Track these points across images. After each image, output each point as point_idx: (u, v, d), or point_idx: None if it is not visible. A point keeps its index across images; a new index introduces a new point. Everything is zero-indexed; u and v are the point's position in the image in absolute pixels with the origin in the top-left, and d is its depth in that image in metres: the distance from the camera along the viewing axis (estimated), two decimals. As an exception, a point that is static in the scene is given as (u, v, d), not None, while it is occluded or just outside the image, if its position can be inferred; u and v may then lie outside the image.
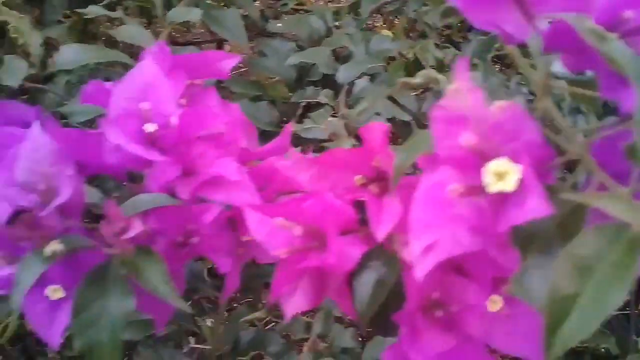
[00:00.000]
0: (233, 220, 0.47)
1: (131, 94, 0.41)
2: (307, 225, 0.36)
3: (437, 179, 0.25)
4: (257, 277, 0.70)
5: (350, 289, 0.43)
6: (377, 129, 0.36)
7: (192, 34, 1.22)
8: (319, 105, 0.79)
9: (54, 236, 0.38)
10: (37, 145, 0.38)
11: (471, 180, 0.24)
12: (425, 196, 0.26)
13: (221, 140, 0.42)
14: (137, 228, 0.37)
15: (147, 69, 0.41)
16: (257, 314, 0.63)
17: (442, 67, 0.89)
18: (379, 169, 0.38)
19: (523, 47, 0.31)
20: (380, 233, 0.34)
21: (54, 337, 0.41)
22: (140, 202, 0.39)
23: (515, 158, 0.23)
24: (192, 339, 0.71)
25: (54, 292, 0.42)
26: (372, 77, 0.78)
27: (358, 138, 0.72)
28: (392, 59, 0.86)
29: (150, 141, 0.41)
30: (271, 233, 0.37)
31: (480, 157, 0.24)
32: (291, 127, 0.52)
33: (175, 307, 0.50)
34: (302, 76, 0.84)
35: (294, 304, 0.42)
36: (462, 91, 0.23)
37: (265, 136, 0.57)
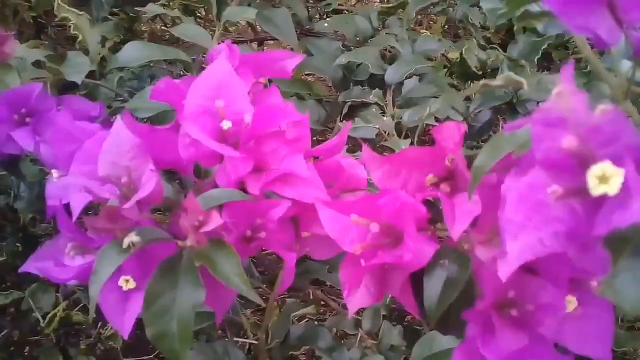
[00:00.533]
0: (294, 217, 0.48)
1: (206, 92, 0.42)
2: (382, 221, 0.36)
3: (532, 180, 0.26)
4: (306, 273, 0.71)
5: (413, 287, 0.44)
6: (451, 128, 0.36)
7: (234, 33, 1.24)
8: (364, 105, 0.80)
9: (130, 228, 0.40)
10: (119, 140, 0.39)
11: (568, 182, 0.25)
12: (519, 197, 0.27)
13: (290, 138, 0.43)
14: (216, 221, 0.38)
15: (222, 68, 0.42)
16: (307, 310, 0.64)
17: (484, 68, 0.89)
18: (451, 168, 0.38)
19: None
20: (456, 231, 0.34)
21: (125, 326, 0.43)
22: (215, 196, 0.41)
23: (615, 161, 0.23)
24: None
25: (126, 282, 0.43)
26: (421, 77, 0.78)
27: (406, 136, 0.73)
28: (430, 59, 0.86)
29: (224, 137, 0.42)
30: (344, 229, 0.38)
31: (579, 160, 0.24)
32: (349, 125, 0.53)
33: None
34: (348, 76, 0.85)
35: (358, 299, 0.43)
36: (566, 94, 0.23)
37: (312, 134, 0.57)
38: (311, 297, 0.67)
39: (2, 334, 0.94)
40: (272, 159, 0.43)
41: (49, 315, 0.85)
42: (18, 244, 1.10)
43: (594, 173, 0.23)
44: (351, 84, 0.84)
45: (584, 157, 0.24)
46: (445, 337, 0.59)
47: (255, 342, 0.66)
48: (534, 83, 0.70)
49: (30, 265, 0.45)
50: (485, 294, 0.34)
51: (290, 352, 0.59)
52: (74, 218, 0.44)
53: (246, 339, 0.69)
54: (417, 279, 0.43)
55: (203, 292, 0.41)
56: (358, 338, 0.62)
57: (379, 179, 0.39)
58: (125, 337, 0.42)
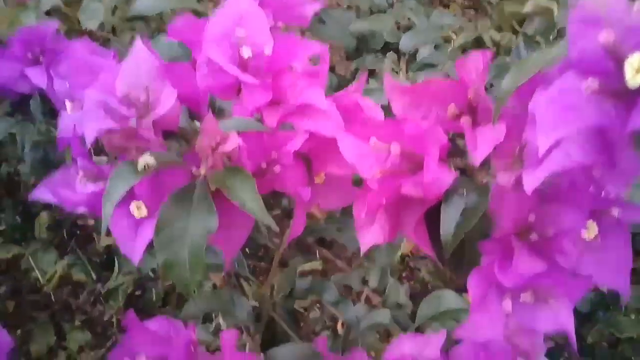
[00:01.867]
0: (307, 160, 0.48)
1: (228, 21, 0.41)
2: (402, 147, 0.36)
3: (564, 84, 0.26)
4: (312, 232, 0.70)
5: (427, 226, 0.43)
6: (476, 60, 0.36)
7: None
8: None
9: (145, 150, 0.39)
10: (139, 60, 0.39)
11: (604, 81, 0.24)
12: (550, 102, 0.26)
13: (310, 71, 0.43)
14: (234, 141, 0.38)
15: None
16: (314, 264, 0.63)
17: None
18: (473, 101, 0.38)
19: None
20: (479, 156, 0.34)
21: (136, 252, 0.42)
22: (232, 124, 0.40)
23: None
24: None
25: (138, 209, 0.43)
26: (436, 47, 0.78)
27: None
28: (448, 41, 0.86)
29: (243, 67, 0.42)
30: (363, 155, 0.38)
31: (614, 58, 0.24)
32: (366, 75, 0.53)
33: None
34: (361, 45, 0.85)
35: (371, 236, 0.43)
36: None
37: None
38: (317, 257, 0.67)
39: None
40: (290, 93, 0.42)
41: (50, 273, 0.85)
42: (17, 217, 1.10)
43: (631, 63, 0.23)
44: (365, 54, 0.84)
45: (620, 55, 0.24)
46: (452, 296, 0.59)
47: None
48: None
49: (42, 191, 0.45)
50: (505, 219, 0.33)
51: (295, 305, 0.59)
52: (87, 145, 0.43)
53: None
54: (431, 219, 0.43)
55: (216, 220, 0.41)
56: (364, 295, 0.61)
57: (400, 110, 0.38)
58: (136, 263, 0.42)
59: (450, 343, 0.49)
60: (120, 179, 0.39)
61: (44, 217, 0.99)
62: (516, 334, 0.48)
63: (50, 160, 1.08)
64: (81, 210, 0.45)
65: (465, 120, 0.37)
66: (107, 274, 0.96)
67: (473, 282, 0.34)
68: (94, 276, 0.90)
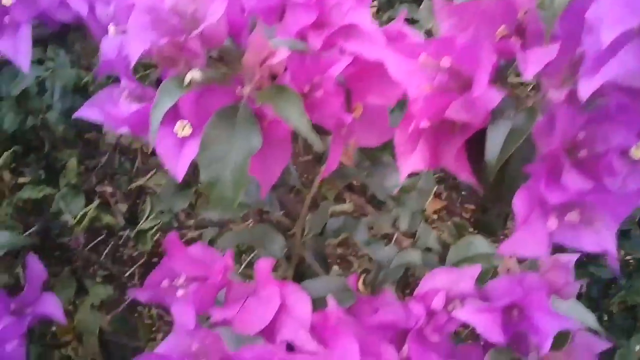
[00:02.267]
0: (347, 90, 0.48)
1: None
2: (453, 64, 0.36)
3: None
4: (342, 176, 0.71)
5: (468, 154, 0.43)
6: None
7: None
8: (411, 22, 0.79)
9: (193, 67, 0.40)
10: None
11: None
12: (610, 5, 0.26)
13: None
14: (282, 54, 0.38)
15: None
16: (345, 206, 0.64)
17: None
18: (523, 23, 0.37)
19: None
20: (530, 72, 0.34)
21: (180, 169, 0.43)
22: (278, 42, 0.40)
23: None
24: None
25: (183, 128, 0.43)
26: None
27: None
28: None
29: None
30: (411, 73, 0.38)
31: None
32: (405, 13, 0.52)
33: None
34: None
35: (411, 163, 0.43)
36: None
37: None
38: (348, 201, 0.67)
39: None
40: (334, 14, 0.42)
41: (80, 214, 0.86)
42: (41, 172, 1.11)
43: None
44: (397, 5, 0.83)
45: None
46: (482, 242, 0.58)
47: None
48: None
49: (85, 111, 0.46)
50: (556, 135, 0.33)
51: (326, 242, 0.59)
52: (132, 64, 0.44)
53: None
54: (471, 149, 0.43)
55: (259, 139, 0.42)
56: (394, 238, 0.62)
57: (447, 30, 0.38)
58: (180, 180, 0.42)
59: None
60: (167, 93, 0.39)
61: (73, 163, 1.01)
62: (552, 270, 0.48)
63: (77, 107, 1.10)
64: (124, 130, 0.45)
65: (515, 41, 0.37)
66: (134, 221, 0.98)
67: (519, 199, 0.34)
68: (121, 221, 0.91)
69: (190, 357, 0.40)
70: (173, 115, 0.43)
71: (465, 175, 0.43)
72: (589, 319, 0.49)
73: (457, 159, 0.42)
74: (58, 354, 1.41)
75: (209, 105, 0.43)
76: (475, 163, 0.44)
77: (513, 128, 0.36)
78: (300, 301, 0.49)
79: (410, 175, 0.74)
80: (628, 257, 1.12)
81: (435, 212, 1.09)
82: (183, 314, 0.44)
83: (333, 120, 0.46)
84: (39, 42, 1.00)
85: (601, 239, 0.35)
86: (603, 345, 0.48)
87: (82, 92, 1.09)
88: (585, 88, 0.29)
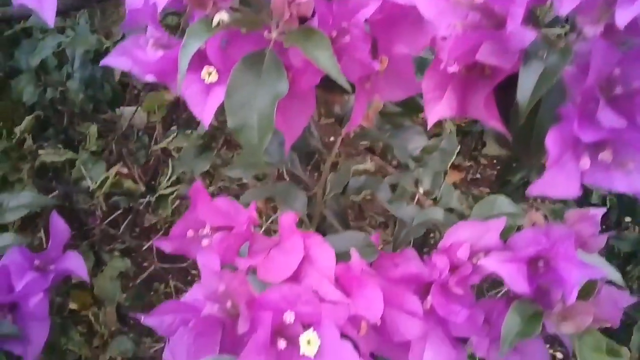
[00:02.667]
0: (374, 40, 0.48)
1: None
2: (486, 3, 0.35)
3: None
4: (363, 136, 0.71)
5: (497, 102, 0.43)
6: None
7: None
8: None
9: (221, 8, 0.39)
10: None
11: None
12: None
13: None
14: (312, -7, 0.37)
15: None
16: (367, 165, 0.64)
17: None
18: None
19: None
20: (565, 7, 0.33)
21: (206, 115, 0.43)
22: (306, -16, 0.40)
23: None
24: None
25: (209, 74, 0.43)
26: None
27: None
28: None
29: None
30: (442, 12, 0.37)
31: None
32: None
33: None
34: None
35: (439, 110, 0.43)
36: None
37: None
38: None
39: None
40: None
41: (101, 179, 0.87)
42: (60, 145, 1.12)
43: None
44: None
45: None
46: (506, 201, 0.58)
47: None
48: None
49: (112, 59, 0.46)
50: (592, 71, 0.33)
51: (349, 201, 0.59)
52: (159, 10, 0.44)
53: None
54: (501, 95, 0.43)
55: (286, 84, 0.41)
56: (416, 198, 0.61)
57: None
58: (206, 126, 0.42)
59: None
60: (195, 35, 0.39)
61: (93, 129, 1.01)
62: (578, 223, 0.47)
63: (97, 78, 1.10)
64: (150, 78, 0.45)
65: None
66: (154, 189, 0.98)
67: (551, 138, 0.34)
68: (141, 184, 0.92)
69: (217, 299, 0.40)
70: (200, 61, 0.43)
71: (494, 122, 0.42)
72: (614, 274, 0.49)
73: (486, 105, 0.42)
74: (76, 328, 1.43)
75: (236, 51, 0.43)
76: (503, 111, 0.43)
77: (546, 69, 0.36)
78: (323, 252, 0.49)
79: (433, 136, 0.74)
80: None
81: (453, 184, 1.08)
82: (208, 261, 0.45)
83: (359, 68, 0.45)
84: (60, 12, 1.00)
85: (633, 180, 0.34)
86: (628, 299, 0.47)
87: (103, 57, 1.10)
88: (623, 16, 0.28)
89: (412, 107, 0.81)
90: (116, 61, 0.45)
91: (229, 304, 0.40)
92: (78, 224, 1.65)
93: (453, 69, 0.39)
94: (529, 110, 0.37)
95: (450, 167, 1.30)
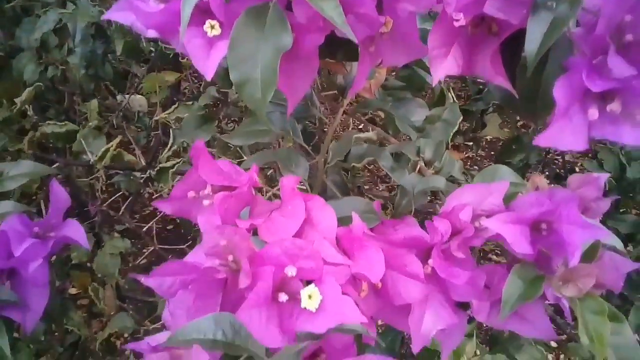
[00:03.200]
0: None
1: None
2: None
3: None
4: (366, 106, 0.70)
5: (504, 58, 0.42)
6: None
7: None
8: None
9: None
10: None
11: None
12: None
13: None
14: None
15: None
16: (370, 134, 0.63)
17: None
18: None
19: None
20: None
21: (209, 69, 0.43)
22: None
23: None
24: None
25: (212, 28, 0.43)
26: None
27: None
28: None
29: None
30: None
31: None
32: None
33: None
34: None
35: (444, 67, 0.42)
36: None
37: None
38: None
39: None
40: None
41: (102, 150, 0.86)
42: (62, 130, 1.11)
43: None
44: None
45: None
46: (507, 170, 0.58)
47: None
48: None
49: (114, 13, 0.45)
50: (603, 18, 0.32)
51: (351, 166, 0.59)
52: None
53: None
54: (507, 54, 0.42)
55: (290, 37, 0.41)
56: (417, 167, 0.61)
57: None
58: (208, 79, 0.42)
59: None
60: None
61: (94, 103, 1.01)
62: (582, 187, 0.47)
63: (98, 54, 1.10)
64: (152, 33, 0.45)
65: None
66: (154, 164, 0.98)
67: (559, 89, 0.34)
68: (142, 159, 0.91)
69: (218, 254, 0.40)
70: (202, 15, 0.42)
71: (500, 80, 0.42)
72: (615, 241, 0.49)
73: (493, 62, 0.42)
74: (78, 312, 1.43)
75: (239, 4, 0.42)
76: (510, 71, 0.43)
77: (555, 18, 0.35)
78: (325, 214, 0.48)
79: (436, 105, 0.73)
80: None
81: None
82: (209, 220, 0.44)
83: (365, 25, 0.45)
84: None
85: (641, 133, 0.34)
86: (630, 265, 0.47)
87: (102, 36, 1.09)
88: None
89: (416, 83, 0.81)
90: (118, 15, 0.45)
91: (230, 258, 0.40)
92: (79, 206, 1.65)
93: (460, 21, 0.38)
94: (536, 62, 0.36)
95: (450, 147, 1.29)
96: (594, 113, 0.33)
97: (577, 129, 0.34)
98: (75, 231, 0.67)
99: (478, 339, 1.03)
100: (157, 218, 1.94)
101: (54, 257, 1.41)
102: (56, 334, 1.41)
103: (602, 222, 1.16)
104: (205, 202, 0.48)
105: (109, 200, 1.77)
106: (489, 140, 1.48)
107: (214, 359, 0.42)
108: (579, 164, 1.63)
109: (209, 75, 0.42)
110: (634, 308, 0.95)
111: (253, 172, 0.50)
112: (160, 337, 0.45)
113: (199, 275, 0.44)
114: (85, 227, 1.49)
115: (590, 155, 1.15)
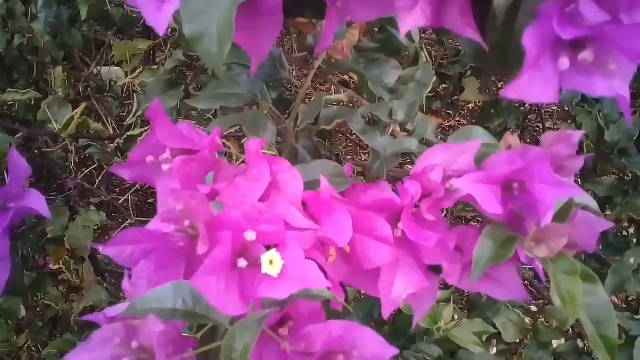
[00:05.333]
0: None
1: None
2: None
3: None
4: (338, 67, 0.68)
5: (475, 9, 0.40)
6: None
7: None
8: None
9: None
10: None
11: None
12: None
13: None
14: None
15: None
16: (340, 96, 0.61)
17: None
18: None
19: None
20: None
21: (160, 23, 0.40)
22: None
23: None
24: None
25: (163, -21, 0.40)
26: None
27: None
28: None
29: None
30: None
31: None
32: None
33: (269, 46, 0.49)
34: None
35: (412, 18, 0.40)
36: None
37: None
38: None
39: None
40: None
41: (66, 118, 0.83)
42: (30, 100, 1.07)
43: None
44: None
45: None
46: (482, 131, 0.56)
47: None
48: None
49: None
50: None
51: (321, 129, 0.57)
52: None
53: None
54: (477, 5, 0.40)
55: (247, -11, 0.38)
56: (390, 129, 0.59)
57: None
58: (161, 33, 0.39)
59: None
60: None
61: (59, 70, 0.97)
62: (555, 144, 0.46)
63: (63, 20, 1.05)
64: (102, -14, 0.42)
65: None
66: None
67: (529, 38, 0.32)
68: (110, 127, 0.88)
69: (175, 219, 0.38)
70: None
71: (470, 32, 0.40)
72: (589, 200, 0.48)
73: (462, 14, 0.40)
74: (53, 282, 1.41)
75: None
76: (480, 22, 0.41)
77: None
78: (291, 178, 0.47)
79: (409, 65, 0.71)
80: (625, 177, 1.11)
81: (432, 129, 1.06)
82: (166, 185, 0.42)
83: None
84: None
85: (614, 83, 0.32)
86: (604, 224, 0.46)
87: (68, 0, 1.05)
88: None
89: (392, 46, 0.78)
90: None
91: (186, 223, 0.38)
92: (52, 179, 1.61)
93: (426, -30, 0.36)
94: (506, 10, 0.34)
95: (428, 112, 1.28)
96: (565, 62, 0.31)
97: (547, 80, 0.32)
98: (36, 201, 0.64)
99: (459, 305, 1.03)
100: (135, 191, 1.91)
101: (26, 231, 1.38)
102: (38, 309, 1.39)
103: (580, 184, 1.16)
104: (165, 167, 0.46)
105: (85, 172, 1.74)
106: (471, 108, 1.47)
107: (175, 329, 0.40)
108: (560, 130, 1.62)
109: (161, 30, 0.39)
110: (611, 270, 0.95)
111: (215, 134, 0.48)
112: (120, 308, 0.43)
113: (160, 243, 0.42)
114: (60, 201, 1.47)
115: (570, 120, 1.14)
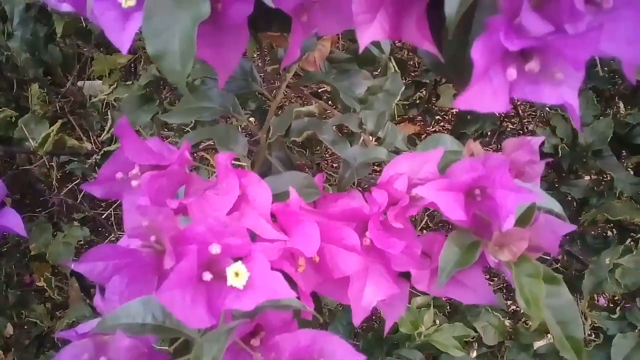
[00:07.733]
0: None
1: None
2: None
3: None
4: (309, 79, 0.69)
5: (429, 21, 0.41)
6: None
7: None
8: None
9: None
10: None
11: None
12: None
13: None
14: None
15: None
16: (310, 107, 0.62)
17: None
18: None
19: None
20: None
21: (124, 42, 0.41)
22: None
23: None
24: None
25: (126, -1, 0.41)
26: None
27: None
28: None
29: None
30: None
31: None
32: None
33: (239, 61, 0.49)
34: None
35: (371, 32, 0.41)
36: None
37: None
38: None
39: None
40: None
41: (42, 136, 0.83)
42: (11, 117, 1.07)
43: None
44: None
45: None
46: (450, 139, 0.57)
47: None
48: None
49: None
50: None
51: (292, 140, 0.58)
52: None
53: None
54: (433, 18, 0.41)
55: (207, 5, 0.39)
56: (361, 139, 0.60)
57: None
58: (124, 52, 0.40)
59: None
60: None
61: (35, 88, 0.97)
62: (517, 151, 0.47)
63: (40, 37, 1.05)
64: (66, 7, 0.43)
65: None
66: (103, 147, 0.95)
67: (477, 49, 0.33)
68: (91, 143, 0.89)
69: (141, 235, 0.39)
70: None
71: (426, 45, 0.41)
72: (553, 204, 0.49)
73: (419, 26, 0.41)
74: (40, 299, 1.40)
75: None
76: (436, 34, 0.42)
77: (472, -22, 0.34)
78: (260, 191, 0.47)
79: (379, 75, 0.72)
80: (600, 177, 1.13)
81: (408, 137, 1.07)
82: (132, 201, 0.43)
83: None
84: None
85: (562, 91, 0.33)
86: (567, 227, 0.47)
87: (45, 18, 1.05)
88: None
89: (366, 57, 0.79)
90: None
91: (152, 238, 0.38)
92: (36, 195, 1.60)
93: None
94: (457, 23, 0.35)
95: (405, 120, 1.29)
96: (512, 73, 0.33)
97: (497, 90, 0.33)
98: (13, 221, 0.65)
99: (441, 311, 1.04)
100: (118, 205, 1.90)
101: (10, 248, 1.37)
102: (26, 327, 1.38)
103: (556, 187, 1.17)
104: (134, 183, 0.46)
105: (69, 187, 1.73)
106: (453, 114, 1.48)
107: (145, 343, 0.41)
108: (530, 135, 1.64)
109: (124, 49, 0.40)
110: (588, 271, 0.97)
111: (184, 149, 0.48)
112: (92, 324, 0.43)
113: (131, 259, 0.43)
114: (44, 217, 1.46)
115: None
